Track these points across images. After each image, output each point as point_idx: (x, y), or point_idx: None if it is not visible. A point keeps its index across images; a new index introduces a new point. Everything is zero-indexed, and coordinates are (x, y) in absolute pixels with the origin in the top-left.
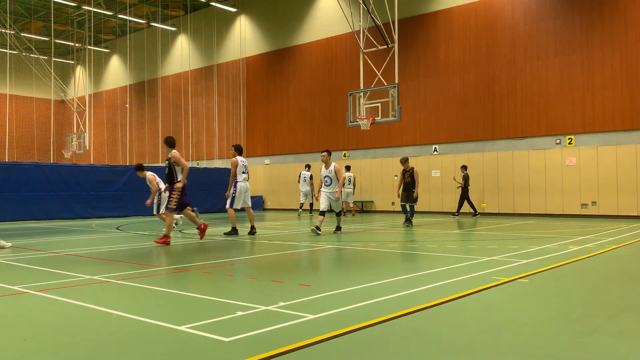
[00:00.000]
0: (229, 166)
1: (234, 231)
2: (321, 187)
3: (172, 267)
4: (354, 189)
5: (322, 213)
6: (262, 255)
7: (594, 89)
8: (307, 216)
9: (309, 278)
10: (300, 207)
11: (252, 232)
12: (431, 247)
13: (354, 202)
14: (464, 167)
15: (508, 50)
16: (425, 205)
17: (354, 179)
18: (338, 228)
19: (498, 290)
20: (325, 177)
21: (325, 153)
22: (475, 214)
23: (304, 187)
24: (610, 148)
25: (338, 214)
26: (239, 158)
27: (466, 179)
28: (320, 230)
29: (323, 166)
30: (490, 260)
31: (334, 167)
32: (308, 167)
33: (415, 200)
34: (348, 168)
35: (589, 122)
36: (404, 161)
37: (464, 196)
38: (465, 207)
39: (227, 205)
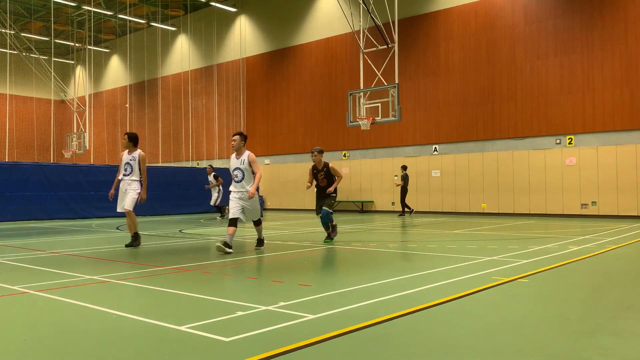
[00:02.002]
0: (229, 166)
1: (138, 238)
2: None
3: (172, 267)
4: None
5: (233, 222)
6: (262, 255)
7: (594, 89)
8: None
9: (309, 278)
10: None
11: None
12: (431, 247)
13: (354, 202)
14: (404, 167)
15: (508, 50)
16: (425, 205)
17: None
18: (259, 242)
19: (498, 290)
20: (235, 169)
21: (237, 137)
22: (410, 212)
23: None
24: (610, 148)
25: (256, 223)
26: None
27: (405, 179)
28: (230, 248)
29: (233, 155)
30: (490, 260)
31: (249, 156)
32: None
33: (331, 203)
34: None
35: (589, 122)
36: (317, 152)
37: (404, 195)
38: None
39: (130, 207)
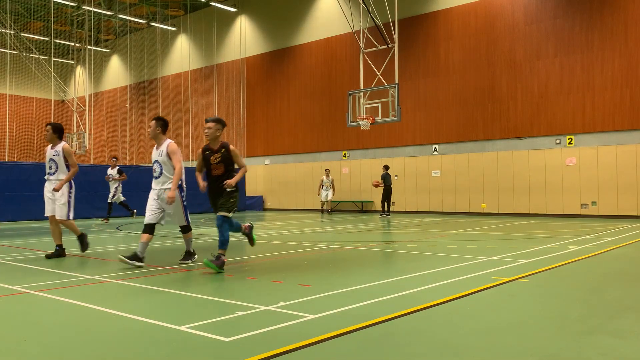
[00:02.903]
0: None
1: (84, 237)
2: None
3: (172, 267)
4: (333, 190)
5: (148, 228)
6: (262, 255)
7: (594, 89)
8: (327, 216)
9: (309, 278)
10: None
11: (60, 254)
12: (431, 247)
13: (354, 202)
14: (386, 167)
15: (508, 50)
16: (425, 205)
17: (332, 181)
18: (187, 254)
19: (498, 290)
20: (154, 162)
21: (152, 122)
22: (386, 213)
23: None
24: (610, 148)
25: (183, 230)
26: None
27: (384, 178)
28: (139, 260)
29: (155, 147)
30: (490, 260)
31: (168, 146)
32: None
33: (231, 206)
34: (327, 172)
35: (589, 122)
36: (212, 122)
37: (386, 195)
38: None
39: (65, 216)
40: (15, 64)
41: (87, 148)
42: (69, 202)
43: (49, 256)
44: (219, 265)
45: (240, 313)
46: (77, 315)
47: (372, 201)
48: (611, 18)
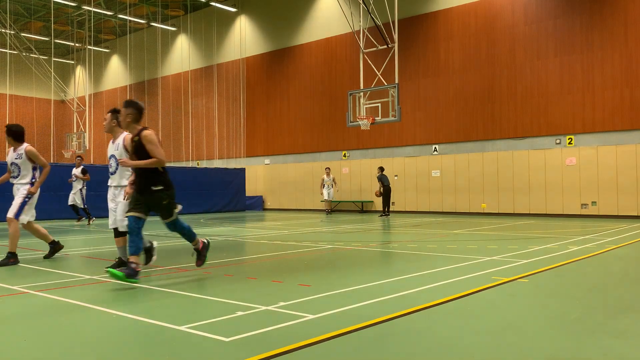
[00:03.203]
0: (229, 166)
1: (12, 258)
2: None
3: (172, 267)
4: (336, 187)
5: (118, 232)
6: (262, 255)
7: (594, 89)
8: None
9: (309, 278)
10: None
11: (56, 249)
12: (431, 247)
13: (354, 202)
14: (381, 169)
15: (508, 50)
16: (425, 205)
17: (334, 179)
18: (119, 263)
19: (498, 290)
20: (110, 157)
21: (108, 115)
22: (386, 214)
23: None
24: (610, 148)
25: (117, 233)
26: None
27: (381, 179)
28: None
29: (111, 141)
30: (490, 260)
31: (125, 139)
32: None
33: (167, 210)
34: (328, 171)
35: (589, 122)
36: (124, 107)
37: (386, 195)
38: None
39: (13, 214)
40: (15, 64)
41: (87, 148)
42: (24, 202)
43: (46, 256)
44: (204, 257)
45: (240, 313)
46: (77, 315)
47: (372, 201)
48: (611, 18)
